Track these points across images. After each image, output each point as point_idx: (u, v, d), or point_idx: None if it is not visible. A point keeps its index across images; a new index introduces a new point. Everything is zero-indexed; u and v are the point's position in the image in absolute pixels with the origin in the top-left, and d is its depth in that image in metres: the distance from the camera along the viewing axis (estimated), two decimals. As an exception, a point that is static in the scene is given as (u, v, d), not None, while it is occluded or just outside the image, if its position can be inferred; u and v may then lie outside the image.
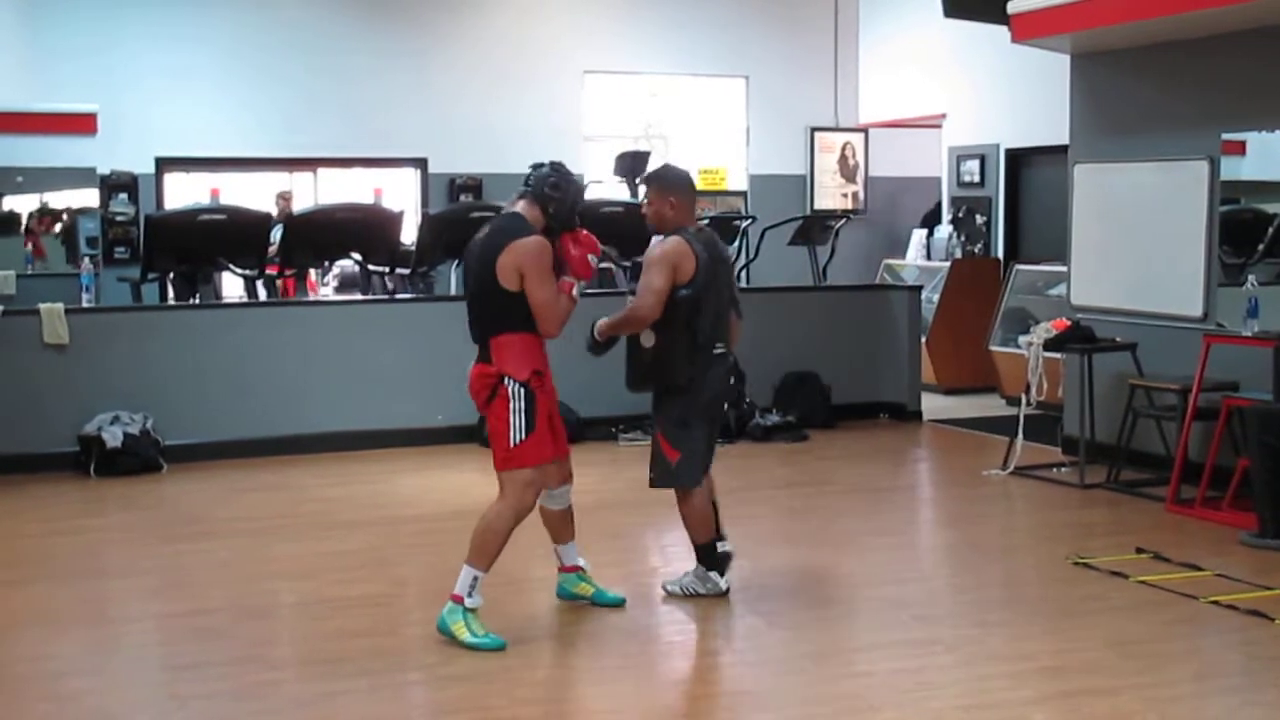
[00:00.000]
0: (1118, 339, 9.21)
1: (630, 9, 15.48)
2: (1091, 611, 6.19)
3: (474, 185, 14.18)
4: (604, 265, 12.88)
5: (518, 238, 5.67)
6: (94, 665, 5.70)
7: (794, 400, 11.07)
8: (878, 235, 15.63)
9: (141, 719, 5.13)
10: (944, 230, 14.37)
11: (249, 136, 14.05)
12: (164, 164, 13.91)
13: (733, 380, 6.53)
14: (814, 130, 16.03)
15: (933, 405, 12.05)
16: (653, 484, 6.42)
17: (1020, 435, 9.28)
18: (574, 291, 5.90)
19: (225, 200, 12.63)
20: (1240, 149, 8.98)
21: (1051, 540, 7.65)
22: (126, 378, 9.73)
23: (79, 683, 5.40)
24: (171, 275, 10.96)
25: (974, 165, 14.34)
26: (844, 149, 16.14)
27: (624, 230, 12.20)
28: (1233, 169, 8.91)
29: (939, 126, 14.90)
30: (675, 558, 7.58)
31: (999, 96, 13.89)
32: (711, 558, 6.43)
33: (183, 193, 13.94)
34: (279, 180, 14.33)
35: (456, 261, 10.30)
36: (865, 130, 16.14)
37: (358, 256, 11.26)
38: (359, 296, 11.57)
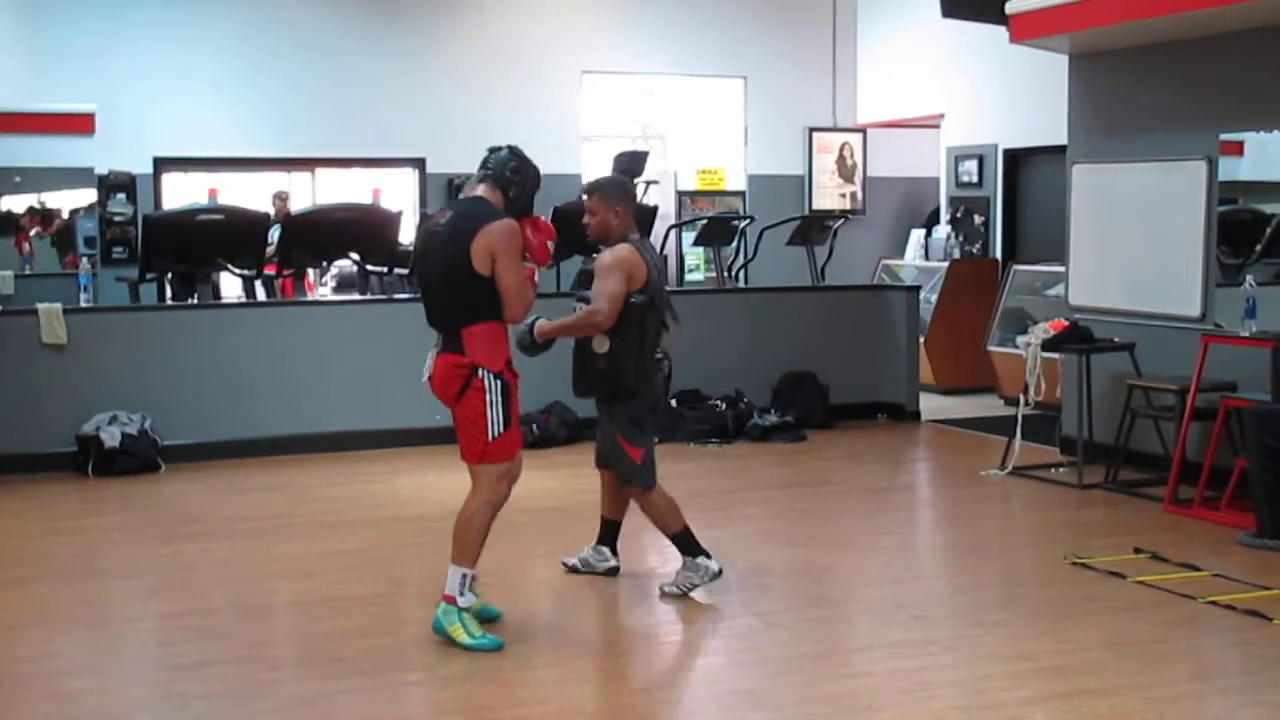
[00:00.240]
0: (1116, 339, 9.21)
1: (628, 9, 15.48)
2: (1090, 612, 6.19)
3: (471, 185, 14.18)
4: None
5: (489, 221, 5.61)
6: (94, 665, 5.70)
7: (792, 400, 11.07)
8: (876, 235, 15.63)
9: (141, 718, 5.14)
10: (942, 230, 14.38)
11: (247, 136, 14.05)
12: (162, 164, 13.89)
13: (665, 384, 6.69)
14: (812, 130, 16.03)
15: (931, 405, 12.06)
16: (626, 482, 6.38)
17: (1018, 435, 9.29)
18: (535, 277, 5.87)
19: (223, 200, 12.63)
20: (1238, 149, 8.99)
21: (1049, 540, 7.65)
22: (124, 378, 9.73)
23: (79, 682, 5.40)
24: (169, 275, 10.96)
25: (972, 165, 14.35)
26: (842, 149, 16.14)
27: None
28: (1231, 169, 8.91)
29: (937, 127, 14.91)
30: (673, 558, 7.58)
31: (997, 97, 13.90)
32: (692, 544, 6.48)
33: (181, 193, 13.93)
34: (277, 180, 14.32)
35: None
36: (863, 130, 16.14)
37: (356, 257, 11.27)
38: (357, 296, 11.58)
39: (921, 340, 12.41)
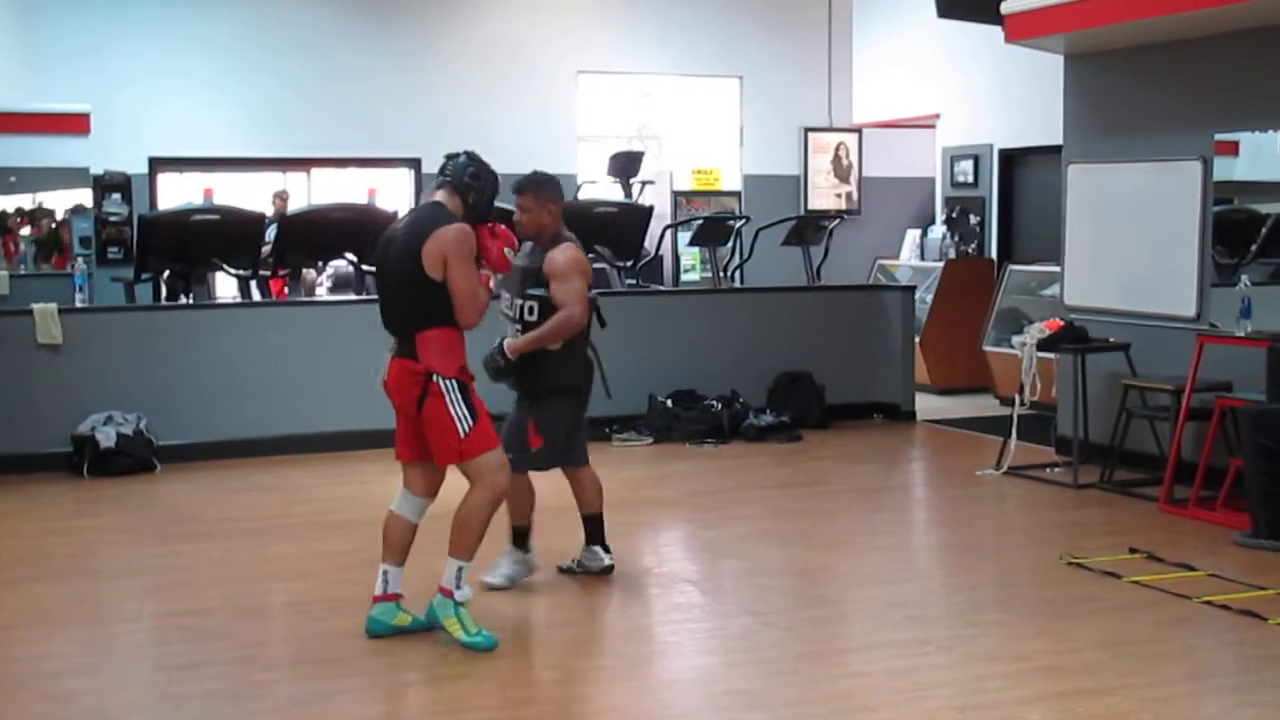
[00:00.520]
0: (1111, 339, 9.22)
1: (624, 9, 15.48)
2: (1085, 611, 6.20)
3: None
4: (598, 265, 12.90)
5: (439, 226, 5.58)
6: (90, 665, 5.69)
7: (788, 400, 11.07)
8: (871, 235, 15.64)
9: (137, 719, 5.13)
10: (938, 230, 14.39)
11: (243, 137, 14.05)
12: (157, 164, 13.89)
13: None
14: (808, 130, 16.04)
15: (927, 405, 12.07)
16: (514, 466, 6.14)
17: (1014, 435, 9.30)
18: (491, 284, 5.83)
19: (219, 200, 12.63)
20: (1233, 149, 9.00)
21: (1045, 540, 7.65)
22: (120, 378, 9.72)
23: (75, 682, 5.40)
24: (165, 275, 10.95)
25: (968, 165, 14.37)
26: (838, 149, 16.15)
27: (619, 230, 12.26)
28: (1226, 169, 8.92)
29: (933, 127, 14.92)
30: (670, 558, 7.61)
31: (993, 97, 13.91)
32: (524, 540, 6.58)
33: (176, 193, 13.92)
34: (273, 180, 14.33)
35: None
36: (859, 130, 16.15)
37: (352, 256, 11.26)
38: (353, 296, 11.57)
39: (917, 340, 12.43)
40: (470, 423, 5.60)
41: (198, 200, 12.91)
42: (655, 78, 15.81)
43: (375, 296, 6.06)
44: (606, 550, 6.76)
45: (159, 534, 7.89)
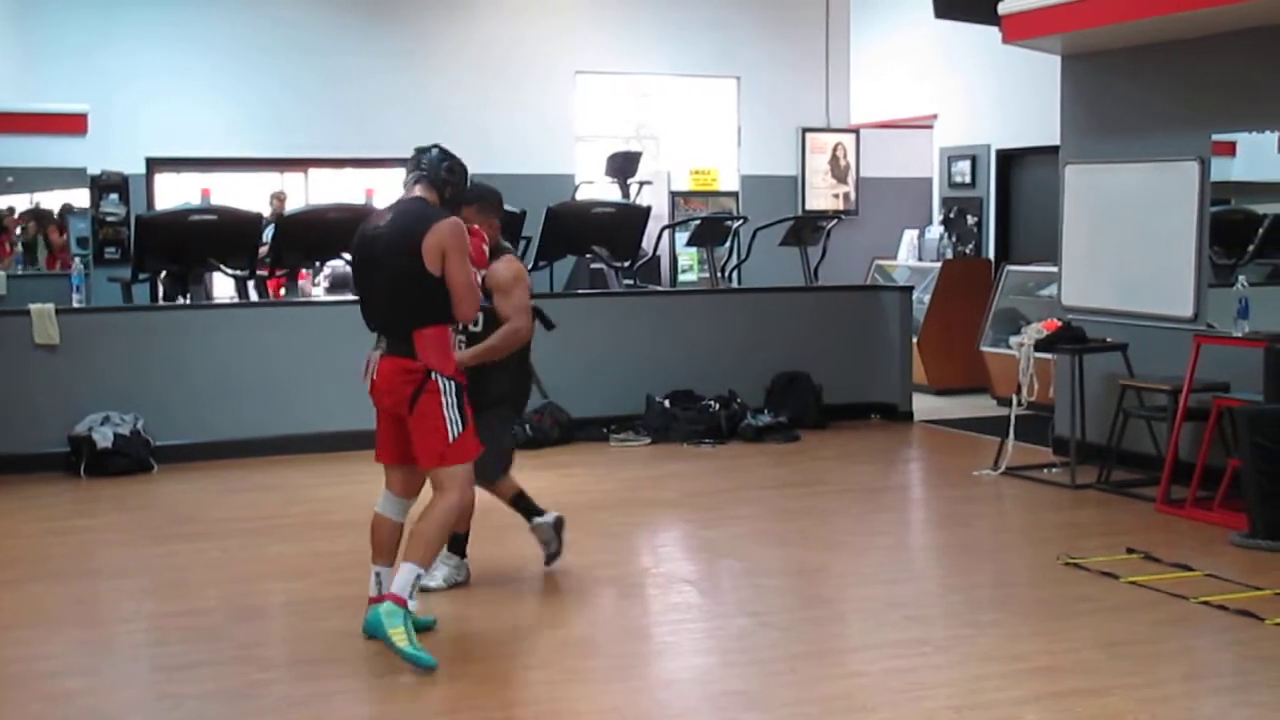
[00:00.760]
0: (1108, 339, 9.22)
1: (621, 10, 15.48)
2: (1082, 612, 6.20)
3: (466, 186, 14.18)
4: (595, 266, 12.91)
5: (438, 219, 5.53)
6: (87, 665, 5.69)
7: (785, 401, 11.08)
8: (869, 236, 15.64)
9: (135, 719, 5.13)
10: (935, 231, 14.39)
11: (240, 137, 14.04)
12: (155, 164, 13.88)
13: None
14: (805, 131, 16.04)
15: (924, 406, 12.07)
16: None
17: (1011, 436, 9.30)
18: (476, 280, 5.78)
19: (216, 201, 12.62)
20: (1230, 150, 9.01)
21: (1042, 541, 7.66)
22: (117, 378, 9.72)
23: (72, 682, 5.40)
24: (162, 275, 10.95)
25: (965, 166, 14.37)
26: (835, 150, 16.15)
27: (616, 231, 12.26)
28: (1223, 170, 8.93)
29: (930, 127, 14.93)
30: (668, 558, 7.61)
31: (990, 97, 13.92)
32: (461, 545, 6.60)
33: (173, 193, 13.91)
34: (270, 180, 14.32)
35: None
36: (856, 131, 16.15)
37: (349, 257, 11.25)
38: (350, 296, 11.56)
39: (915, 341, 12.44)
40: (460, 428, 5.55)
41: (195, 200, 12.91)
42: (653, 78, 15.81)
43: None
44: (561, 542, 6.85)
45: (157, 534, 7.89)
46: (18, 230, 12.88)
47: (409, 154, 6.06)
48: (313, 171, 14.63)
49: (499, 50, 14.88)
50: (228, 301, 11.61)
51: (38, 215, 13.00)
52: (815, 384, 11.23)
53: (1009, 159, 14.00)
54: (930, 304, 13.33)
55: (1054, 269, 10.38)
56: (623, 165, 14.40)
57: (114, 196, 13.31)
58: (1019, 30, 9.30)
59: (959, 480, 9.31)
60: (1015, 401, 9.32)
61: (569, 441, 10.50)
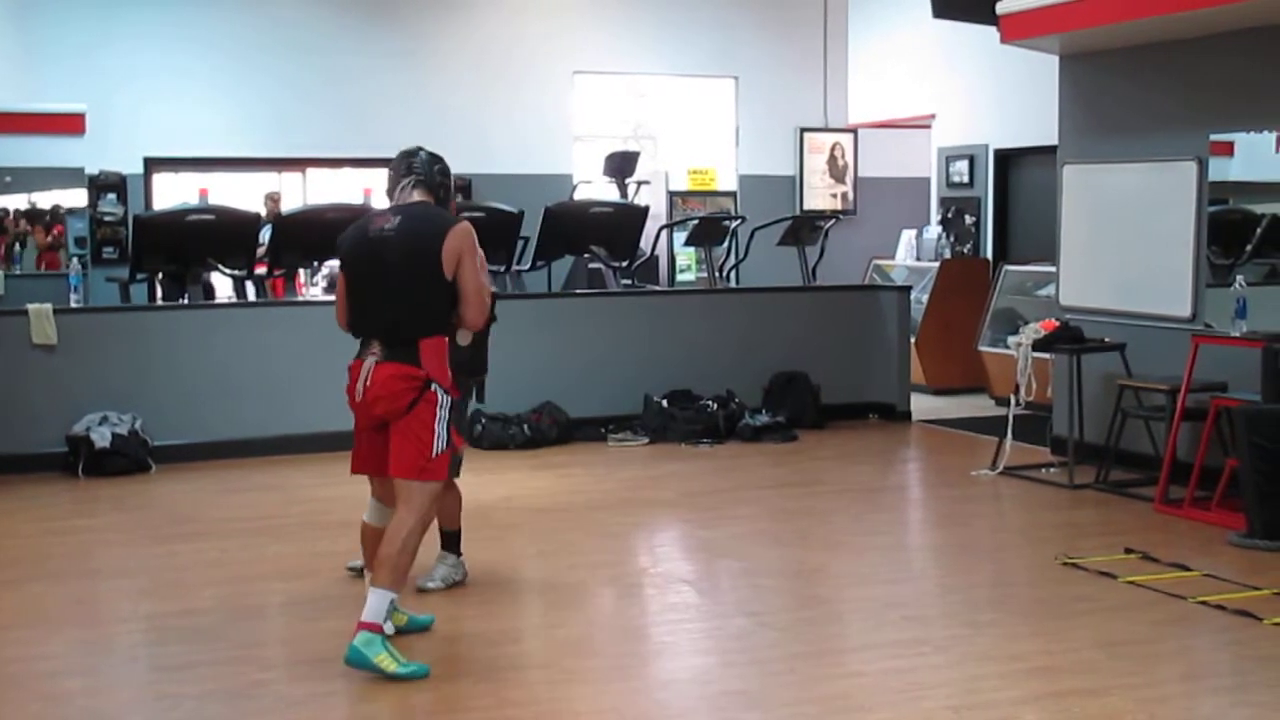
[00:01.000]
0: (1106, 339, 9.23)
1: (619, 9, 15.48)
2: (1081, 612, 6.21)
3: (463, 186, 14.19)
4: (593, 266, 12.91)
5: (453, 223, 5.46)
6: (86, 665, 5.69)
7: (783, 400, 11.08)
8: (867, 236, 15.64)
9: (133, 719, 5.13)
10: (933, 230, 14.40)
11: (238, 137, 14.03)
12: (152, 164, 13.88)
13: None
14: (803, 131, 16.04)
15: (922, 405, 12.08)
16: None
17: (1009, 435, 9.31)
18: None
19: (214, 200, 12.62)
20: (1228, 150, 9.01)
21: (1040, 540, 7.66)
22: (115, 378, 9.71)
23: (71, 682, 5.40)
24: (160, 275, 10.94)
25: (963, 166, 14.38)
26: (833, 149, 16.15)
27: (614, 230, 12.26)
28: (1221, 170, 8.94)
29: (928, 127, 14.93)
30: (666, 558, 7.61)
31: (988, 97, 13.92)
32: (455, 543, 6.56)
33: (171, 193, 13.91)
34: (268, 180, 14.31)
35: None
36: (854, 131, 16.15)
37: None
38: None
39: (913, 340, 12.44)
40: (444, 445, 5.46)
41: (193, 200, 12.91)
42: (651, 78, 15.81)
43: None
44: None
45: (155, 534, 7.88)
46: (28, 232, 12.88)
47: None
48: (310, 171, 14.63)
49: (497, 50, 14.88)
50: (225, 301, 11.62)
51: (27, 215, 13.00)
52: (813, 384, 11.23)
53: (1007, 159, 14.00)
54: (928, 304, 13.33)
55: (1052, 269, 10.39)
56: (621, 165, 14.40)
57: (112, 196, 13.32)
58: (1017, 30, 9.31)
59: (957, 480, 9.32)
60: (1013, 401, 9.32)
61: (567, 441, 10.50)
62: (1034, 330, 9.28)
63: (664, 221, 14.30)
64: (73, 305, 10.45)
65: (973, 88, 14.07)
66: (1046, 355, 9.61)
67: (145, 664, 5.81)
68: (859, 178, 16.20)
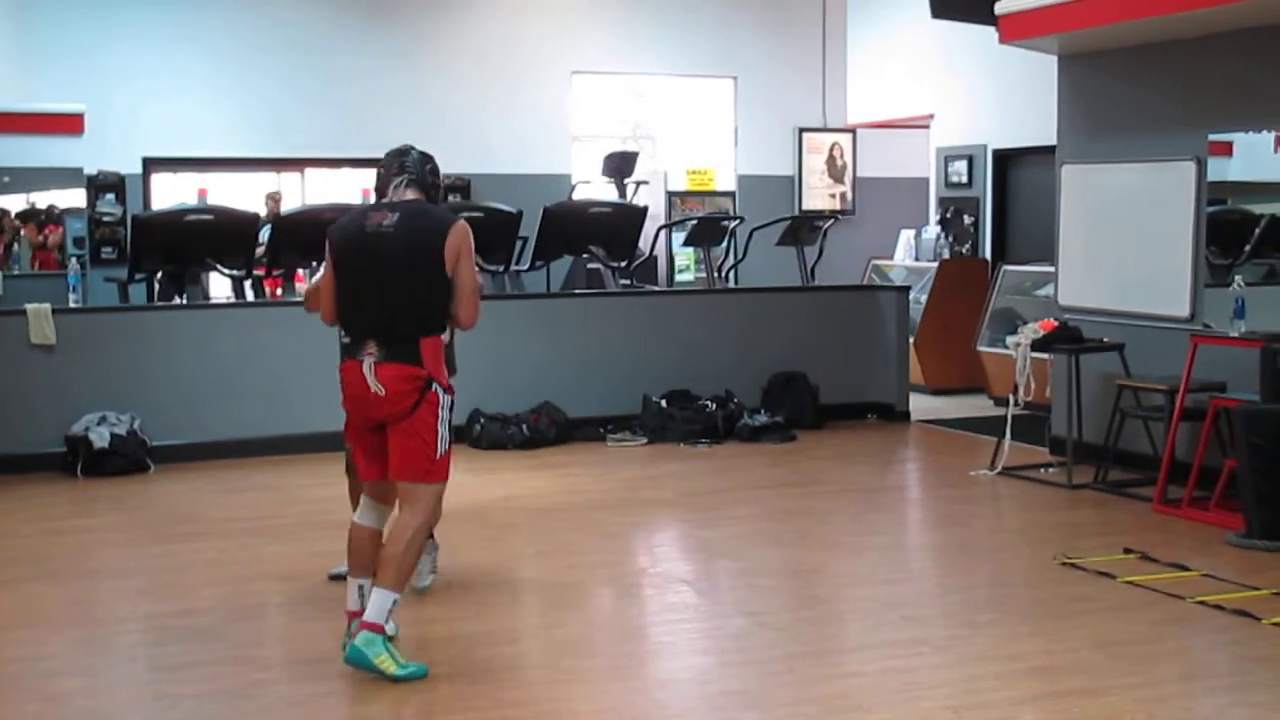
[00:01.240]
0: (1105, 339, 9.23)
1: (618, 9, 15.48)
2: (1079, 612, 6.21)
3: (462, 185, 14.20)
4: (592, 266, 12.91)
5: (452, 221, 5.45)
6: (84, 665, 5.69)
7: (782, 400, 11.08)
8: (866, 236, 15.64)
9: (132, 719, 5.13)
10: (932, 231, 14.40)
11: (236, 137, 14.03)
12: (151, 164, 13.87)
13: None
14: (802, 131, 16.04)
15: (921, 405, 12.08)
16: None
17: (1008, 435, 9.30)
18: None
19: (212, 201, 12.62)
20: (1227, 150, 9.01)
21: (1039, 540, 7.66)
22: (113, 378, 9.71)
23: (69, 683, 5.39)
24: (159, 276, 10.94)
25: (962, 166, 14.37)
26: (832, 149, 16.15)
27: (613, 231, 12.26)
28: (1220, 170, 8.94)
29: (927, 127, 14.93)
30: (665, 558, 7.61)
31: (987, 97, 13.92)
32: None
33: (170, 193, 13.91)
34: (266, 180, 14.31)
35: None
36: (853, 131, 16.15)
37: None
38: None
39: (911, 340, 12.44)
40: (448, 444, 5.46)
41: (192, 200, 12.91)
42: (649, 78, 15.81)
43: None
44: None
45: (154, 534, 7.88)
46: (19, 231, 12.88)
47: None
48: (309, 171, 14.62)
49: (496, 50, 14.88)
50: (224, 301, 11.61)
51: (21, 215, 13.00)
52: (812, 384, 11.23)
53: (1006, 159, 14.00)
54: (927, 304, 13.34)
55: (1051, 269, 10.39)
56: (619, 165, 14.40)
57: (110, 196, 13.31)
58: (1016, 30, 9.31)
59: (956, 480, 9.32)
60: (1012, 401, 9.32)
61: (566, 441, 10.50)
62: (1033, 330, 9.28)
63: (663, 221, 14.31)
64: (71, 305, 10.45)
65: (971, 88, 14.07)
66: (1045, 355, 9.61)
67: (144, 664, 5.81)
68: (858, 178, 16.19)
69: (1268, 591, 6.42)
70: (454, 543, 7.08)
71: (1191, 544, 7.39)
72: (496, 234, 11.15)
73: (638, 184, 14.61)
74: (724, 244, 13.58)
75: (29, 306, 9.59)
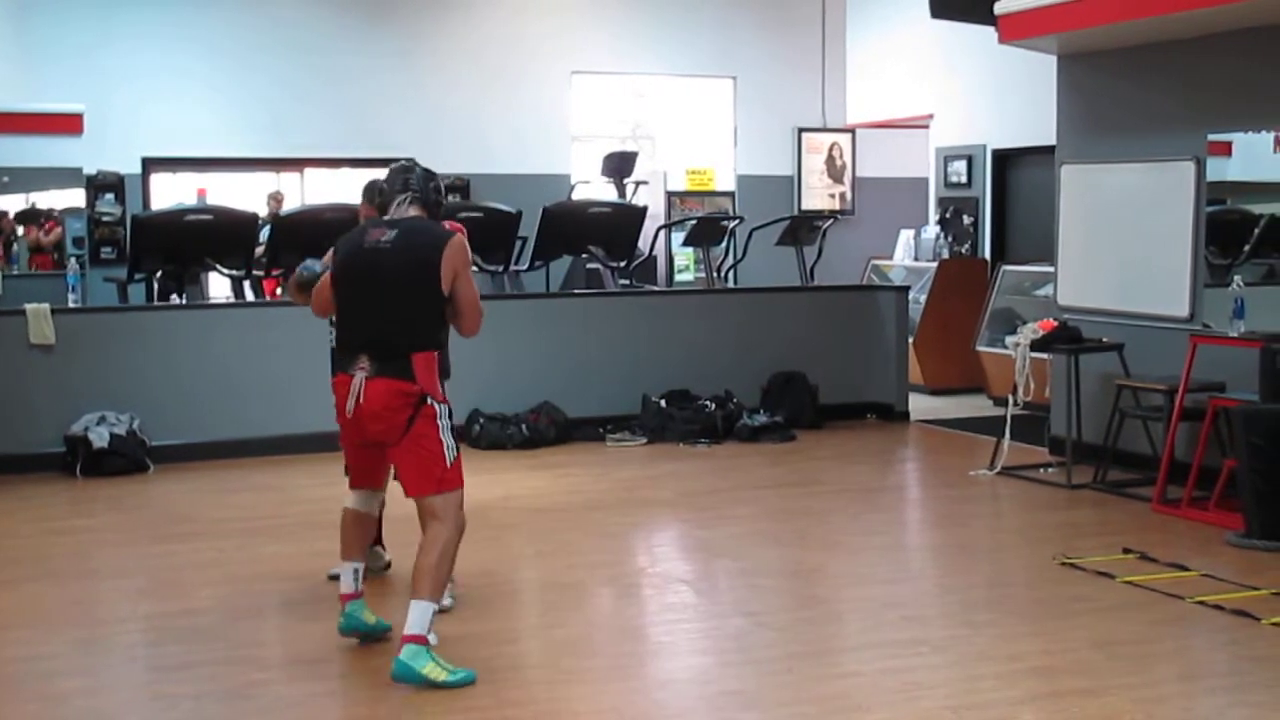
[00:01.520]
0: (1104, 339, 9.23)
1: (618, 9, 15.49)
2: (1079, 612, 6.21)
3: (461, 185, 14.19)
4: (591, 266, 12.91)
5: (449, 237, 5.46)
6: (84, 665, 5.68)
7: (781, 400, 11.08)
8: (865, 236, 15.65)
9: (131, 719, 5.13)
10: (931, 231, 14.40)
11: (236, 137, 14.04)
12: (151, 164, 13.88)
13: None
14: (801, 131, 16.06)
15: (920, 405, 12.08)
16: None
17: (1007, 435, 9.30)
18: None
19: (212, 200, 12.62)
20: (1226, 150, 9.01)
21: (1039, 540, 7.66)
22: (113, 378, 9.71)
23: (68, 683, 5.39)
24: (158, 275, 10.95)
25: (961, 166, 14.36)
26: (831, 149, 16.16)
27: (613, 231, 12.26)
28: (1219, 169, 8.94)
29: (926, 127, 14.93)
30: (664, 558, 7.61)
31: (986, 97, 13.91)
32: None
33: (169, 193, 13.92)
34: (266, 180, 14.32)
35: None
36: (853, 131, 16.16)
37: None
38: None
39: (911, 340, 12.44)
40: (456, 452, 5.47)
41: (191, 200, 12.92)
42: (649, 78, 15.82)
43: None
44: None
45: (153, 534, 7.88)
46: (19, 231, 12.89)
47: (406, 154, 5.94)
48: (309, 171, 14.62)
49: (495, 50, 14.89)
50: (223, 301, 11.62)
51: (19, 216, 13.01)
52: (811, 384, 11.23)
53: (1005, 159, 13.99)
54: (926, 304, 13.34)
55: (1050, 269, 10.39)
56: (619, 165, 14.40)
57: (110, 196, 13.32)
58: (1015, 30, 9.31)
59: (955, 480, 9.32)
60: (1011, 401, 9.32)
61: (565, 441, 10.50)
62: (1032, 330, 9.28)
63: (662, 221, 14.31)
64: (71, 305, 10.45)
65: (971, 88, 14.06)
66: (1044, 355, 9.61)
67: (143, 664, 5.81)
68: (857, 178, 16.21)
69: (1267, 591, 6.42)
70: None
71: (1191, 544, 7.39)
72: (496, 234, 11.16)
73: (637, 184, 14.61)
74: (723, 244, 13.59)
75: (28, 306, 9.59)
